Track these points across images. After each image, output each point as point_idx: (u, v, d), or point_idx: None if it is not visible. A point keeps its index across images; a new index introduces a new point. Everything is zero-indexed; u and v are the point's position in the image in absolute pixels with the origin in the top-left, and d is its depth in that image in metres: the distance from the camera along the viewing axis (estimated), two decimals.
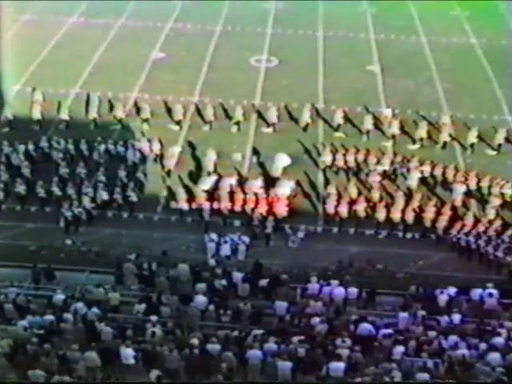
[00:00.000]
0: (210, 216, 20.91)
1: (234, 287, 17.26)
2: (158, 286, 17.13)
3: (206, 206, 20.91)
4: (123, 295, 16.81)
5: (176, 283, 17.38)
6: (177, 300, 16.34)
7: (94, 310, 15.57)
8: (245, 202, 21.04)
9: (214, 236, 19.57)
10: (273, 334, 14.80)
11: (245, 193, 21.31)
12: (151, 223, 21.02)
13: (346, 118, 24.92)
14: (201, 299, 16.31)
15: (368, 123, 24.48)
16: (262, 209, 20.86)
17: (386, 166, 22.62)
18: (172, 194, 21.68)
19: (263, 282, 17.25)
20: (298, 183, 22.19)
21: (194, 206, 21.03)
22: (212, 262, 18.90)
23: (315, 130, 24.95)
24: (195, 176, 22.54)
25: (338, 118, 24.72)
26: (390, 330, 15.15)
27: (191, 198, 21.17)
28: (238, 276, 17.41)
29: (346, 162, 22.82)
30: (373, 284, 17.47)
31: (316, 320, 15.55)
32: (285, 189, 21.50)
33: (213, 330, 15.36)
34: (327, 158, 22.89)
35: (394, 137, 24.33)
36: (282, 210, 20.93)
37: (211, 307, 16.08)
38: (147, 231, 20.41)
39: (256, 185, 21.57)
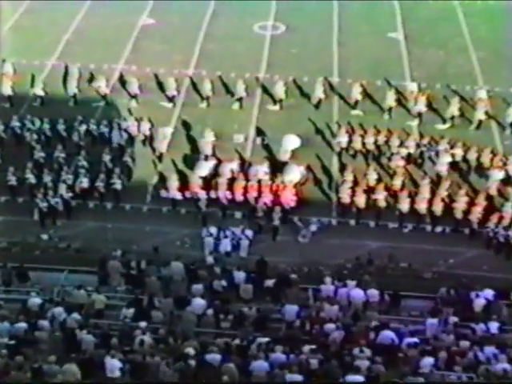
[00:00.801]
0: (207, 207, 20.87)
1: (236, 288, 17.27)
2: (148, 287, 17.14)
3: (203, 194, 20.86)
4: (108, 298, 16.84)
5: (169, 284, 17.35)
6: (170, 303, 16.34)
7: (75, 315, 15.56)
8: (247, 190, 20.99)
9: (212, 230, 19.53)
10: (280, 343, 14.72)
11: (247, 180, 21.25)
12: (140, 215, 20.93)
13: (365, 94, 24.72)
14: (197, 302, 16.31)
15: (390, 99, 24.23)
16: (268, 198, 20.81)
17: (410, 148, 22.44)
18: (164, 182, 21.62)
19: (269, 283, 17.29)
20: (308, 168, 22.08)
21: (189, 194, 20.98)
22: (210, 259, 18.98)
23: (329, 107, 24.75)
24: (190, 160, 22.41)
25: (356, 94, 24.51)
26: (416, 339, 15.12)
27: (186, 185, 21.10)
28: (240, 276, 17.43)
29: (364, 144, 22.69)
30: (396, 285, 17.47)
31: (331, 326, 15.56)
32: (294, 175, 21.41)
33: (211, 337, 15.36)
34: (343, 140, 22.76)
35: (420, 115, 24.10)
36: (290, 199, 20.83)
37: (209, 311, 16.10)
38: (135, 224, 20.32)
39: (260, 170, 21.47)
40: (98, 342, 14.62)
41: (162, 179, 21.81)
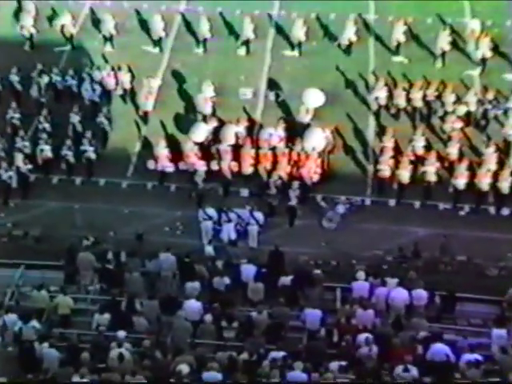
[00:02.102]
0: (205, 182, 20.81)
1: (243, 288, 17.35)
2: (128, 285, 17.20)
3: (201, 166, 20.81)
4: (77, 301, 16.97)
5: (156, 282, 17.53)
6: (157, 307, 16.35)
7: (33, 323, 15.56)
8: (257, 160, 20.95)
9: (211, 212, 19.58)
10: (300, 358, 14.68)
11: (257, 147, 21.24)
12: (118, 193, 20.98)
13: (410, 34, 24.38)
14: (193, 306, 16.30)
15: (443, 41, 23.81)
16: (283, 171, 20.67)
17: (470, 106, 22.18)
18: (149, 149, 21.60)
19: (286, 281, 17.29)
20: (336, 132, 21.94)
21: (182, 166, 20.95)
22: (209, 249, 19.21)
23: (363, 53, 24.47)
24: (184, 122, 22.38)
25: (398, 34, 24.10)
26: (477, 356, 14.88)
27: (178, 154, 21.08)
28: (247, 271, 17.47)
29: (409, 100, 22.48)
30: (451, 284, 17.52)
31: (365, 337, 15.36)
32: (317, 141, 21.27)
33: (211, 350, 15.28)
34: (381, 95, 22.52)
35: (483, 61, 23.73)
36: (312, 172, 20.74)
37: (208, 317, 16.02)
38: (112, 204, 20.37)
39: (274, 135, 21.36)
40: (63, 357, 14.67)
41: (148, 146, 21.83)
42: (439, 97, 22.32)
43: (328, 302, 17.03)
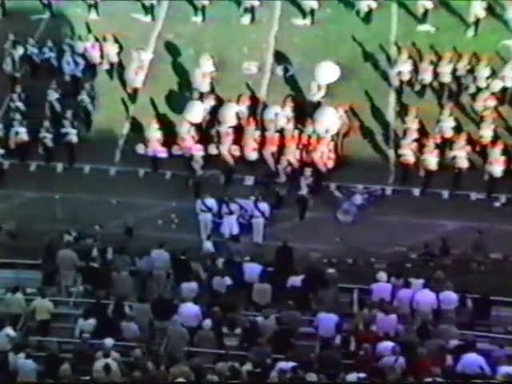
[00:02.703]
0: (203, 168, 20.83)
1: (247, 289, 17.35)
2: (116, 286, 17.26)
3: (198, 150, 20.83)
4: (57, 304, 16.98)
5: (147, 282, 17.66)
6: (148, 311, 16.34)
7: (7, 331, 15.58)
8: (263, 143, 20.97)
9: (210, 202, 19.66)
10: (312, 369, 14.58)
11: (263, 129, 21.24)
12: (104, 181, 21.10)
13: None
14: (189, 310, 16.29)
15: (477, 7, 23.51)
16: (293, 156, 20.63)
17: (507, 81, 22.00)
18: (139, 132, 21.63)
19: (295, 281, 17.29)
20: (352, 112, 21.88)
21: (177, 151, 20.96)
22: (208, 245, 19.16)
23: (384, 21, 24.21)
24: (178, 100, 22.37)
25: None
26: None
27: (172, 137, 21.12)
28: (252, 270, 17.51)
29: (436, 74, 22.37)
30: (485, 286, 17.46)
31: (387, 346, 15.18)
32: (331, 122, 21.23)
33: (210, 361, 15.27)
34: (404, 69, 22.41)
35: None
36: (325, 157, 20.67)
37: (207, 323, 15.93)
38: (98, 194, 20.49)
39: (282, 115, 21.33)
40: (41, 369, 14.68)
41: (138, 128, 21.86)
42: (471, 71, 22.20)
43: (344, 305, 17.05)
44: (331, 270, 17.49)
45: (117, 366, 14.49)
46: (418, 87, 22.44)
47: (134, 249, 18.15)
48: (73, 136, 21.03)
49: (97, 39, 23.01)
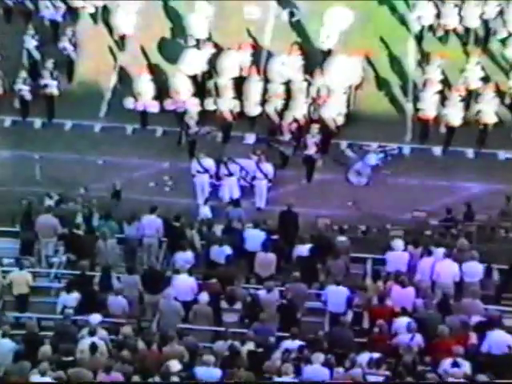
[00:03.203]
0: (200, 125, 20.78)
1: (248, 259, 17.39)
2: (102, 256, 17.26)
3: (193, 105, 20.82)
4: (36, 276, 16.99)
5: (136, 251, 17.73)
6: (138, 282, 16.34)
7: None
8: (266, 97, 20.91)
9: (207, 162, 19.71)
10: (320, 348, 14.50)
11: (266, 80, 21.25)
12: (88, 138, 21.17)
13: None
14: (184, 282, 16.26)
15: None
16: (299, 110, 20.63)
17: None
18: (128, 84, 21.62)
19: (302, 250, 17.30)
20: (367, 61, 21.80)
21: (170, 105, 20.96)
22: (205, 211, 19.17)
23: None
24: (172, 48, 22.34)
25: None
26: None
27: (164, 90, 21.12)
28: (253, 238, 17.49)
29: (461, 18, 22.01)
30: None
31: (403, 322, 15.13)
32: (342, 72, 21.13)
33: (207, 339, 15.33)
34: (425, 12, 22.08)
35: None
36: (336, 113, 20.63)
37: (204, 297, 15.90)
38: (81, 154, 20.56)
39: (288, 65, 21.23)
40: (19, 349, 14.44)
41: (126, 79, 21.86)
42: (500, 13, 21.97)
43: (356, 277, 17.07)
44: (342, 238, 17.50)
45: (104, 346, 14.49)
46: (440, 33, 22.30)
47: (122, 214, 18.18)
48: (53, 88, 21.01)
49: None
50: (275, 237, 17.59)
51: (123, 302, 15.85)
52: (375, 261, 17.33)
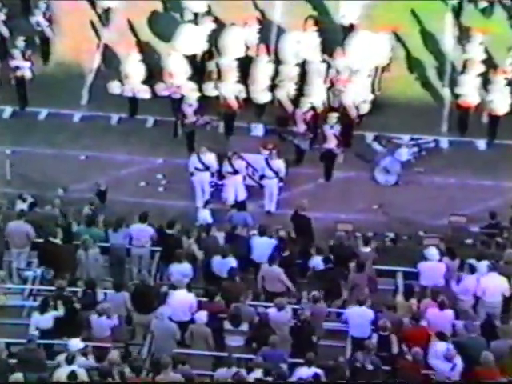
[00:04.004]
0: (199, 114, 20.72)
1: (255, 272, 17.38)
2: (83, 268, 17.37)
3: (190, 91, 20.82)
4: (6, 293, 16.98)
5: (123, 263, 17.83)
6: (126, 300, 16.41)
7: None
8: (276, 81, 20.91)
9: (208, 158, 19.75)
10: (340, 378, 14.66)
11: (277, 61, 21.24)
12: (68, 130, 21.23)
13: None
14: (180, 299, 16.32)
15: None
16: (317, 97, 20.59)
17: None
18: (114, 65, 21.75)
19: (319, 262, 17.35)
20: (395, 38, 21.78)
21: (162, 91, 21.00)
22: (205, 215, 19.10)
23: None
24: (165, 24, 22.37)
25: None
26: None
27: (156, 72, 21.15)
28: (262, 246, 17.57)
29: None
30: None
31: (440, 349, 15.09)
32: (366, 52, 21.12)
33: (207, 365, 15.46)
34: None
35: None
36: (359, 99, 20.61)
37: (203, 316, 15.90)
38: (59, 148, 20.61)
39: (303, 43, 21.21)
40: None
41: (111, 60, 21.98)
42: None
43: (384, 294, 17.09)
44: (366, 249, 17.44)
45: (84, 374, 14.46)
46: (483, 4, 22.29)
47: (108, 219, 18.16)
48: (25, 70, 21.03)
49: None
50: (286, 246, 17.40)
51: (109, 322, 15.76)
52: (406, 274, 17.29)
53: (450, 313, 15.94)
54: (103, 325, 15.74)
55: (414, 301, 16.29)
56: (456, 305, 16.45)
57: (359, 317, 15.97)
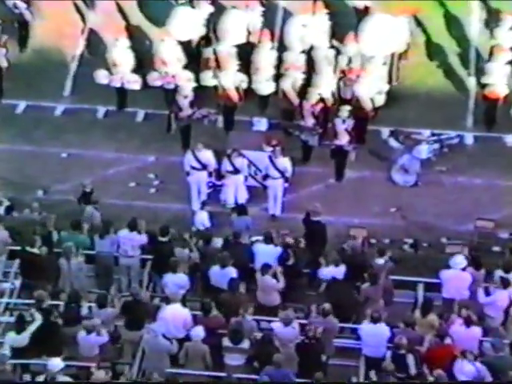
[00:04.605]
0: (194, 107, 20.74)
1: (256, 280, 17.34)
2: (65, 279, 17.48)
3: (186, 80, 20.93)
4: None
5: (111, 273, 17.91)
6: (115, 315, 16.55)
7: None
8: (281, 70, 20.98)
9: (205, 156, 19.79)
10: None
11: (282, 47, 21.31)
12: (48, 124, 21.28)
13: None
14: (175, 314, 16.35)
15: None
16: (326, 88, 20.64)
17: None
18: (100, 52, 21.73)
19: (330, 272, 17.40)
20: (415, 22, 21.92)
21: (153, 80, 21.07)
22: (202, 218, 19.29)
23: None
24: (157, 6, 22.42)
25: None
26: None
27: (148, 60, 21.24)
28: (265, 255, 17.64)
29: None
30: None
31: (466, 370, 15.27)
32: (382, 36, 21.16)
33: None
34: None
35: None
36: (373, 89, 20.64)
37: (198, 332, 15.89)
38: (38, 145, 20.67)
39: (311, 27, 21.28)
40: None
41: (97, 46, 22.02)
42: None
43: (402, 309, 17.03)
44: (380, 260, 17.44)
45: None
46: None
47: (93, 225, 18.22)
48: (0, 58, 21.09)
49: None
50: (296, 254, 17.42)
51: (98, 340, 15.81)
52: (427, 286, 17.29)
53: (477, 330, 15.96)
54: (92, 342, 15.78)
55: (434, 316, 16.23)
56: (483, 321, 16.39)
57: (374, 335, 16.01)
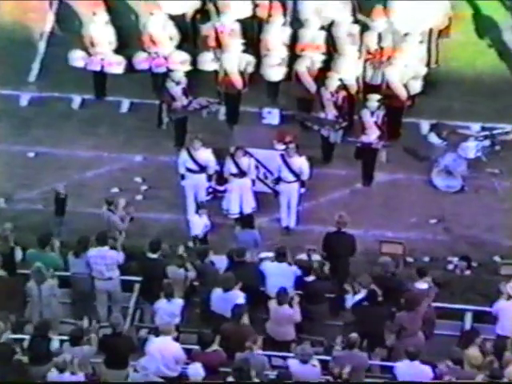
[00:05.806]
0: (189, 95, 20.90)
1: (265, 303, 17.55)
2: (34, 306, 17.63)
3: (179, 63, 21.16)
4: None
5: (89, 298, 18.11)
6: (93, 352, 16.57)
7: None
8: (295, 51, 21.15)
9: (203, 155, 19.92)
10: None
11: (296, 23, 21.54)
12: (12, 116, 21.50)
13: None
14: (167, 349, 16.46)
15: None
16: (349, 72, 20.93)
17: None
18: (75, 29, 22.10)
19: (358, 298, 17.55)
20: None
21: (140, 63, 21.29)
22: (199, 227, 19.35)
23: None
24: None
25: None
26: None
27: (133, 38, 21.60)
28: (278, 275, 17.92)
29: None
30: None
31: None
32: (417, 12, 21.34)
33: None
34: None
35: None
36: (407, 74, 20.81)
37: (196, 370, 16.10)
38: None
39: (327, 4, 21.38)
40: None
41: (71, 22, 22.39)
42: None
43: (445, 341, 17.06)
44: (421, 284, 17.48)
45: None
46: None
47: (68, 239, 18.38)
48: None
49: None
50: (312, 276, 17.55)
51: (73, 379, 15.74)
52: (477, 316, 17.35)
53: None
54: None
55: (475, 350, 16.16)
56: None
57: (412, 375, 15.97)
